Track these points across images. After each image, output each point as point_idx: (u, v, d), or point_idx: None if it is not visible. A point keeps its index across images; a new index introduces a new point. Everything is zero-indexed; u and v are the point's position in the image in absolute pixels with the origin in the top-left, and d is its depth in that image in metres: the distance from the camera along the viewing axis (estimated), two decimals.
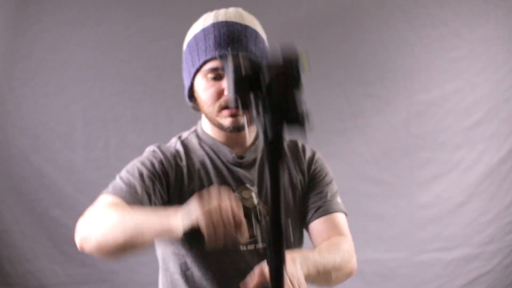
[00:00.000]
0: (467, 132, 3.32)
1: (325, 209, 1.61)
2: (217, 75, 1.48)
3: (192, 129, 1.62)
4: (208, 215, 1.16)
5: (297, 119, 0.99)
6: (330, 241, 1.54)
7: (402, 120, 3.29)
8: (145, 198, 1.44)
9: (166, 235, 1.27)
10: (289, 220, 1.56)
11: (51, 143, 3.08)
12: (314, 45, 3.21)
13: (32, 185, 3.07)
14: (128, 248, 1.32)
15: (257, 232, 1.52)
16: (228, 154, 1.55)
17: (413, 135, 3.30)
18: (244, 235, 1.20)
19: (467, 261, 3.31)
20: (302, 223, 1.63)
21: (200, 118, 1.60)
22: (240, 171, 1.55)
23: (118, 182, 1.50)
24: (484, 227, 3.31)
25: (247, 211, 1.50)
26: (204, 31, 1.51)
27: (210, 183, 1.51)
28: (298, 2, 3.22)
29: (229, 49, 1.46)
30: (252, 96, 1.00)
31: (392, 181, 3.29)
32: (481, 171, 3.31)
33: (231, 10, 1.53)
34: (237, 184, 1.53)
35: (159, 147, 1.55)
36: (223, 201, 1.18)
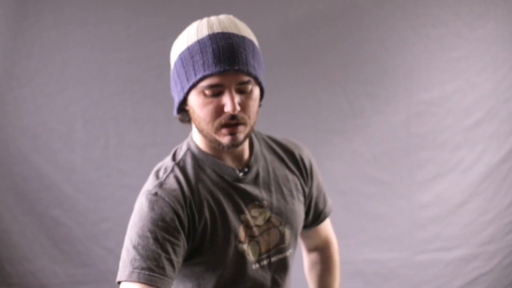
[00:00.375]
0: (467, 132, 3.32)
1: (321, 218, 1.74)
2: (216, 92, 1.39)
3: (184, 146, 1.55)
4: None
5: None
6: (330, 270, 1.78)
7: (402, 120, 3.29)
8: (168, 265, 1.36)
9: None
10: (288, 220, 1.57)
11: (51, 143, 3.08)
12: (314, 45, 3.21)
13: (32, 185, 3.07)
14: None
15: (271, 246, 1.54)
16: (232, 172, 1.50)
17: (413, 135, 3.30)
18: None
19: (467, 261, 3.31)
20: (301, 226, 1.65)
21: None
22: (247, 187, 1.51)
23: (134, 256, 1.41)
24: (484, 227, 3.31)
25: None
26: (200, 43, 1.40)
27: (220, 208, 1.46)
28: (298, 2, 3.22)
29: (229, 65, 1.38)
30: None
31: (392, 181, 3.29)
32: (481, 171, 3.31)
33: (224, 18, 1.43)
34: (246, 202, 1.50)
35: (159, 195, 1.43)
36: None
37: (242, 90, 1.40)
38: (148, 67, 3.12)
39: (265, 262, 1.52)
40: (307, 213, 1.68)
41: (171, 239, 1.36)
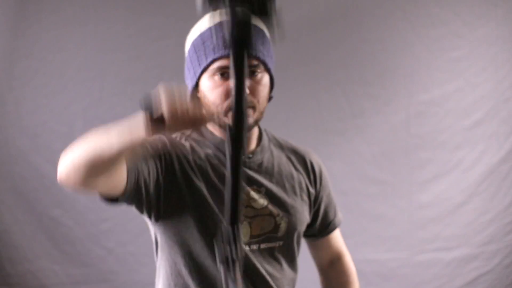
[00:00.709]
0: (467, 132, 3.32)
1: (331, 229, 1.71)
2: (225, 74, 1.44)
3: None
4: (172, 101, 1.13)
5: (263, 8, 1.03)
6: (349, 281, 1.75)
7: (402, 120, 3.29)
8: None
9: (132, 133, 1.21)
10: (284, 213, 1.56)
11: (51, 143, 3.08)
12: (314, 45, 3.21)
13: (32, 185, 3.07)
14: (99, 162, 1.24)
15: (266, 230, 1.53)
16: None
17: (413, 135, 3.30)
18: (203, 125, 1.19)
19: (467, 261, 3.31)
20: (304, 229, 1.64)
21: None
22: (248, 171, 1.53)
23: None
24: (484, 227, 3.31)
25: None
26: (211, 29, 1.47)
27: (218, 178, 1.48)
28: (298, 2, 3.21)
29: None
30: None
31: (392, 181, 3.29)
32: (481, 171, 3.31)
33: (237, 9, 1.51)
34: (246, 184, 1.51)
35: (164, 136, 1.49)
36: (186, 93, 1.15)
37: (251, 73, 1.45)
38: (148, 67, 3.12)
39: (254, 247, 1.51)
40: (314, 219, 1.66)
41: (153, 152, 1.42)
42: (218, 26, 1.45)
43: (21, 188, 3.07)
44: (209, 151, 1.52)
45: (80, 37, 3.10)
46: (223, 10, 1.49)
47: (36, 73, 3.08)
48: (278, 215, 1.53)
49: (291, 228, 1.56)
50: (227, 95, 1.44)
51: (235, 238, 1.07)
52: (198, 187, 1.46)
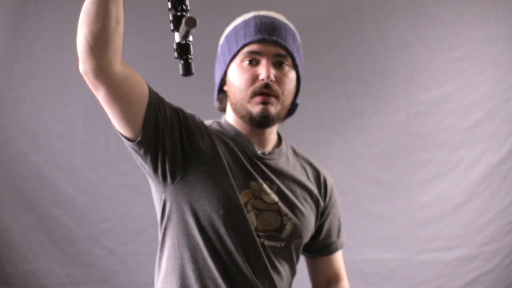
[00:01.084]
0: (467, 132, 3.32)
1: (332, 249, 1.70)
2: (254, 60, 1.47)
3: (214, 120, 1.59)
4: None
5: None
6: None
7: (402, 120, 3.29)
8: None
9: None
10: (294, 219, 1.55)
11: (51, 143, 3.08)
12: (314, 45, 3.21)
13: (32, 185, 3.07)
14: (102, 15, 1.21)
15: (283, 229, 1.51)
16: (251, 147, 1.52)
17: (413, 135, 3.30)
18: None
19: (467, 261, 3.31)
20: (307, 233, 1.62)
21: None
22: (262, 166, 1.52)
23: None
24: (484, 227, 3.31)
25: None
26: (245, 21, 1.52)
27: (232, 164, 1.47)
28: (298, 2, 3.21)
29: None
30: None
31: (392, 181, 3.29)
32: (481, 171, 3.31)
33: (272, 12, 1.56)
34: (258, 175, 1.51)
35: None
36: None
37: (278, 64, 1.48)
38: (148, 67, 3.12)
39: (261, 241, 1.49)
40: (318, 234, 1.65)
41: (176, 114, 1.42)
42: (252, 18, 1.51)
43: (21, 188, 3.07)
44: (227, 140, 1.52)
45: None
46: (256, 11, 1.57)
47: (36, 73, 3.08)
48: (286, 214, 1.52)
49: (296, 231, 1.54)
50: (253, 80, 1.46)
51: None
52: (222, 159, 1.45)
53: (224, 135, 1.53)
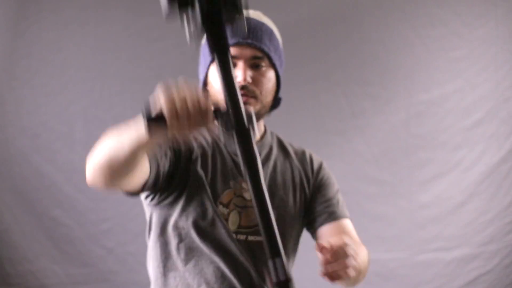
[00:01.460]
0: (467, 132, 3.31)
1: (336, 215, 1.63)
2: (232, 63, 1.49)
3: None
4: (171, 99, 1.08)
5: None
6: (351, 240, 1.51)
7: (402, 120, 3.29)
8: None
9: (139, 136, 1.19)
10: (284, 216, 1.56)
11: (51, 143, 3.08)
12: (314, 45, 3.21)
13: (32, 185, 3.07)
14: (116, 165, 1.25)
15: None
16: (233, 145, 1.53)
17: (413, 135, 3.30)
18: (210, 122, 1.12)
19: (467, 261, 3.30)
20: (301, 225, 1.63)
21: None
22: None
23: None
24: (484, 227, 3.31)
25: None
26: None
27: (214, 165, 1.53)
28: (298, 2, 3.21)
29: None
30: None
31: (392, 181, 3.29)
32: (481, 171, 3.31)
33: (251, 11, 1.57)
34: (239, 173, 1.54)
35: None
36: (189, 89, 1.11)
37: (255, 66, 1.51)
38: (148, 67, 3.12)
39: (242, 237, 1.52)
40: (313, 206, 1.62)
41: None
42: None
43: (21, 188, 3.06)
44: (210, 140, 1.56)
45: (80, 37, 3.10)
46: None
47: (36, 73, 3.08)
48: None
49: (280, 221, 1.54)
50: None
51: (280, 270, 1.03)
52: (200, 176, 1.50)
53: (208, 135, 1.55)
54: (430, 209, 3.30)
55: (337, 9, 3.25)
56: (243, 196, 1.53)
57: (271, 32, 1.56)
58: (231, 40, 1.47)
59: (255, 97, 1.50)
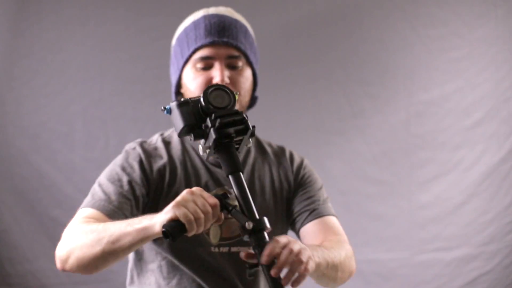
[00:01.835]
0: (467, 132, 3.32)
1: (319, 212, 1.56)
2: (207, 65, 1.46)
3: (160, 133, 1.60)
4: (183, 204, 1.14)
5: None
6: (331, 240, 1.49)
7: (402, 120, 3.29)
8: (125, 206, 1.41)
9: (143, 239, 1.22)
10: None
11: (51, 143, 3.08)
12: (314, 45, 3.21)
13: (32, 185, 3.07)
14: (110, 260, 1.30)
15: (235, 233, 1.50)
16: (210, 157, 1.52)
17: (413, 135, 3.30)
18: (220, 217, 1.19)
19: (467, 261, 3.30)
20: (285, 228, 1.60)
21: None
22: (220, 172, 1.51)
23: (96, 191, 1.48)
24: (484, 227, 3.31)
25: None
26: (195, 23, 1.50)
27: (189, 182, 1.48)
28: (298, 2, 3.21)
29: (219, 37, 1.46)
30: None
31: (392, 181, 3.29)
32: (481, 171, 3.31)
33: (222, 7, 1.53)
34: (216, 185, 1.50)
35: (140, 144, 1.53)
36: (195, 195, 1.17)
37: (232, 65, 1.47)
38: (148, 67, 3.12)
39: (224, 250, 1.49)
40: (296, 205, 1.58)
41: (134, 185, 1.44)
42: (201, 19, 1.48)
43: (21, 188, 3.06)
44: (183, 152, 1.53)
45: (80, 37, 3.09)
46: (208, 8, 1.55)
47: (36, 73, 3.07)
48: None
49: None
50: (207, 84, 1.44)
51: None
52: (176, 194, 1.48)
53: (183, 145, 1.52)
54: (430, 209, 3.30)
55: (337, 8, 3.25)
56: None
57: (245, 30, 1.52)
58: (206, 39, 1.45)
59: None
